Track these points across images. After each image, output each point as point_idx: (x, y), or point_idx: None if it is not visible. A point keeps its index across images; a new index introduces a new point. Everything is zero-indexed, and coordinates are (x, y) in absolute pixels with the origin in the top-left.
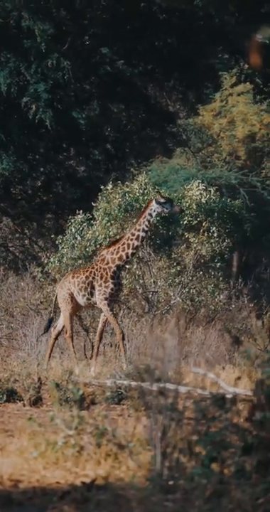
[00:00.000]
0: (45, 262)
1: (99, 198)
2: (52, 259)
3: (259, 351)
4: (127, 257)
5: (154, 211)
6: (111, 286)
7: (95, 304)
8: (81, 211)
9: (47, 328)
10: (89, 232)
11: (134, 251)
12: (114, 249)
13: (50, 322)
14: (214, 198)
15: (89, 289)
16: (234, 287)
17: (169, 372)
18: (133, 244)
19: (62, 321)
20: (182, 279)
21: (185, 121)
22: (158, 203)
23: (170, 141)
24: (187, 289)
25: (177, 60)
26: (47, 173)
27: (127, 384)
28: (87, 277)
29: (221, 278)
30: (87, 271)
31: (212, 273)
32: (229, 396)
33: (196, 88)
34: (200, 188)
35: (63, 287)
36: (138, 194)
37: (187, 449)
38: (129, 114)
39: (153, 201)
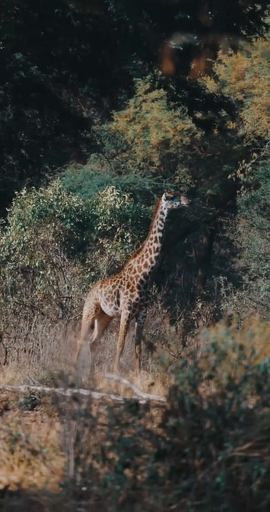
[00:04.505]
0: None
1: (13, 203)
2: None
3: (173, 357)
4: (151, 262)
5: (165, 208)
6: (137, 295)
7: None
8: None
9: None
10: (3, 237)
11: (157, 254)
12: (140, 258)
13: None
14: (128, 203)
15: (116, 298)
16: None
17: (83, 378)
18: (154, 247)
19: (96, 333)
20: None
21: (100, 127)
22: (166, 199)
23: (84, 146)
24: None
25: (92, 66)
26: None
27: (41, 390)
28: (113, 286)
29: None
30: (114, 280)
31: None
32: (142, 402)
33: (110, 94)
34: (114, 193)
35: (91, 296)
36: (52, 200)
37: (101, 455)
38: (43, 120)
39: (162, 199)
